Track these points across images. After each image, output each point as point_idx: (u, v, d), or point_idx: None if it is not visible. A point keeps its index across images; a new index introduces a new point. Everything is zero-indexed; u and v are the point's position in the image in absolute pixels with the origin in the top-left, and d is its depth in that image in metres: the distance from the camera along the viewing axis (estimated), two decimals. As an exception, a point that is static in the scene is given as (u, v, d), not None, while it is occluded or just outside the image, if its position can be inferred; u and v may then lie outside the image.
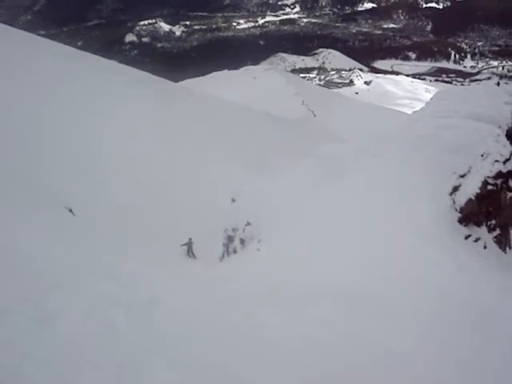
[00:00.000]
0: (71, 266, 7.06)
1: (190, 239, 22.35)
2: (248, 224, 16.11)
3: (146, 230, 21.69)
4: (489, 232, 12.80)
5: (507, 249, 13.29)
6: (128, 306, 5.77)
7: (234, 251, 16.67)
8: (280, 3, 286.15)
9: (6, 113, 23.61)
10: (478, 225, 12.60)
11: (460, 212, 12.18)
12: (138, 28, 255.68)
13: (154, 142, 32.11)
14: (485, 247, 12.20)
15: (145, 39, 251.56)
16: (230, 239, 17.31)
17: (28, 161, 20.02)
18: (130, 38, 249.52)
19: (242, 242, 16.24)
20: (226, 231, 17.63)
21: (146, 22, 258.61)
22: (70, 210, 17.81)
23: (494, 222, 13.05)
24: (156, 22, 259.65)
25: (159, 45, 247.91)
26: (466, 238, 11.91)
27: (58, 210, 16.70)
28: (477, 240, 12.11)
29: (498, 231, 13.00)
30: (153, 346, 5.10)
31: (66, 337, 4.95)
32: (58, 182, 20.31)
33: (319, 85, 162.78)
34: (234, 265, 13.57)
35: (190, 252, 22.56)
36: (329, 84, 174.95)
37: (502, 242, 13.04)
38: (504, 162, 13.39)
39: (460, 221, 12.11)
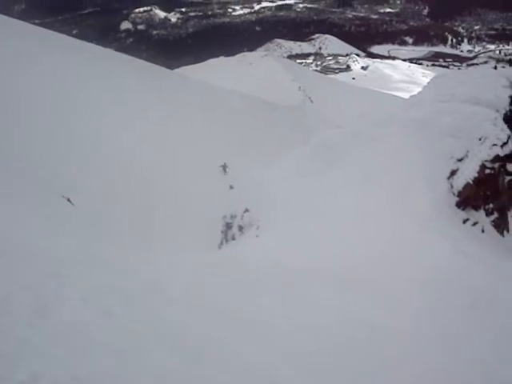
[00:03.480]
0: (69, 256, 7.06)
1: (225, 163, 30.09)
2: (246, 211, 16.10)
3: (144, 218, 21.70)
4: (486, 216, 12.85)
5: (505, 232, 13.34)
6: (125, 293, 5.78)
7: (233, 238, 16.67)
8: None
9: (3, 103, 23.50)
10: (476, 209, 12.64)
11: (458, 196, 12.21)
12: (133, 15, 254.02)
13: (151, 131, 32.00)
14: (482, 231, 12.24)
15: (140, 27, 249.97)
16: (229, 226, 17.30)
17: (25, 151, 19.96)
18: (126, 25, 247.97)
19: (241, 228, 16.24)
20: (225, 218, 17.62)
21: (141, 10, 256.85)
22: (68, 200, 17.78)
23: (491, 205, 13.08)
24: (151, 10, 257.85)
25: (155, 32, 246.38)
26: (464, 221, 11.95)
27: (56, 200, 16.68)
28: (475, 224, 12.15)
29: (495, 215, 13.06)
30: (152, 332, 5.12)
31: (64, 324, 4.96)
32: (57, 173, 20.26)
33: (316, 70, 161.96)
34: (233, 251, 13.58)
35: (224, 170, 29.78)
36: (326, 70, 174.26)
37: (499, 226, 13.10)
38: (501, 146, 13.41)
39: (458, 205, 12.14)
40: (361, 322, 6.08)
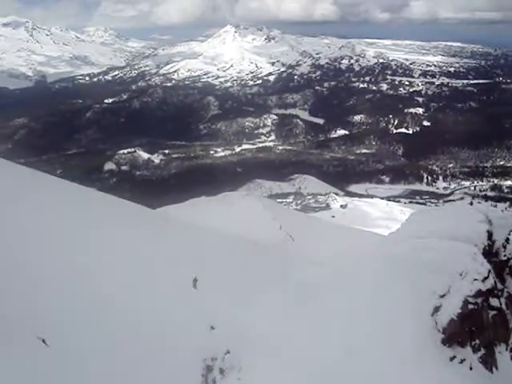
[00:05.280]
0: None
1: (196, 277, 26.35)
2: (227, 353, 15.64)
3: (121, 358, 20.92)
4: (474, 352, 12.57)
5: (493, 369, 13.00)
6: None
7: (214, 382, 16.04)
8: (256, 132, 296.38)
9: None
10: (462, 345, 12.38)
11: (443, 333, 12.02)
12: (117, 157, 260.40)
13: (132, 270, 31.74)
14: (471, 368, 11.92)
15: (124, 167, 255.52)
16: (209, 369, 16.69)
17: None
18: (109, 166, 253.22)
19: (222, 371, 15.66)
20: (205, 361, 17.04)
21: (125, 151, 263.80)
22: (44, 341, 17.17)
23: (477, 341, 12.84)
24: (135, 151, 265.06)
25: (138, 173, 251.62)
26: (451, 359, 11.67)
27: (30, 341, 16.09)
28: (462, 361, 11.85)
29: (482, 351, 12.78)
30: None
31: None
32: (32, 311, 19.74)
33: (296, 209, 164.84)
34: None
35: (194, 284, 26.13)
36: (305, 208, 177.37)
37: (487, 363, 12.78)
38: (483, 280, 13.41)
39: (443, 342, 11.92)
40: None
